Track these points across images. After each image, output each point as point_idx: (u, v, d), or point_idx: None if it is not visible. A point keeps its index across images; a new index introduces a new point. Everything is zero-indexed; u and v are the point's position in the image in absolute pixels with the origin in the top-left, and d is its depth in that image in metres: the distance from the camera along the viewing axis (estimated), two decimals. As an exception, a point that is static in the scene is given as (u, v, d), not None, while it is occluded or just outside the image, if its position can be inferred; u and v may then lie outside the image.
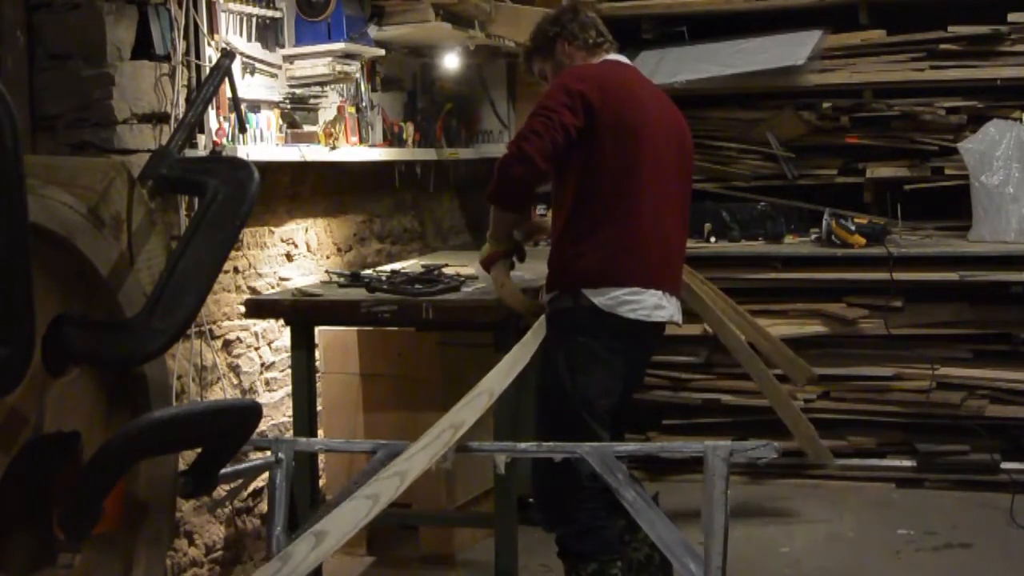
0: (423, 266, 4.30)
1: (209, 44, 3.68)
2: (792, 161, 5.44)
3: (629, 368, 3.39)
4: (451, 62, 5.06)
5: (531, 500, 4.56)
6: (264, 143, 3.93)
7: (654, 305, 3.30)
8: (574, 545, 3.34)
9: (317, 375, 4.14)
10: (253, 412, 2.48)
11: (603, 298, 3.25)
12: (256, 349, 4.19)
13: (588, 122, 3.23)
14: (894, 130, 5.38)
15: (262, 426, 3.64)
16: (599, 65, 3.47)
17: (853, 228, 5.12)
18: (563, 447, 2.80)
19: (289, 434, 4.07)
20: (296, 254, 4.43)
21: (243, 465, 2.90)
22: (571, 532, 3.35)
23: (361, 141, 4.53)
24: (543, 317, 3.40)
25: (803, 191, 5.49)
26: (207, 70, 3.57)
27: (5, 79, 3.20)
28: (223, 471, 2.62)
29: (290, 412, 3.96)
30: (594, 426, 3.25)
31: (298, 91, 4.11)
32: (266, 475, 2.92)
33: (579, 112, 3.22)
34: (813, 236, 5.26)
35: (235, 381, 4.07)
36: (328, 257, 4.66)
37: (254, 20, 3.93)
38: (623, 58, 3.58)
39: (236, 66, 3.60)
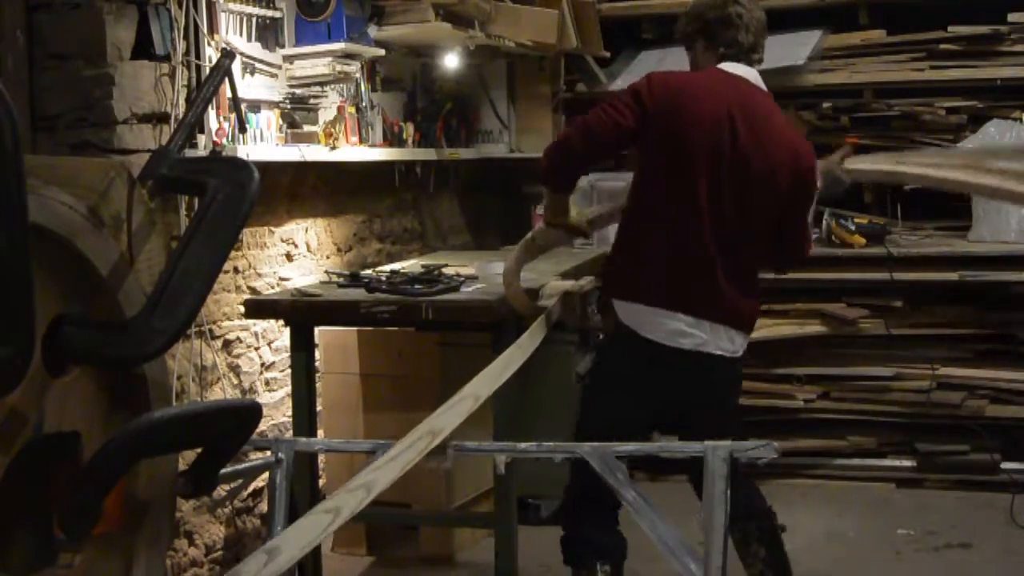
0: (423, 266, 4.30)
1: (209, 44, 3.68)
2: (792, 161, 5.43)
3: (657, 396, 3.23)
4: (451, 62, 5.06)
5: (530, 500, 4.59)
6: (264, 143, 3.93)
7: (676, 331, 3.15)
8: (564, 550, 3.35)
9: (317, 375, 4.14)
10: (253, 412, 2.48)
11: (626, 313, 3.19)
12: (256, 349, 4.19)
13: (641, 126, 3.14)
14: (894, 130, 5.38)
15: (262, 426, 3.64)
16: (691, 73, 3.33)
17: (853, 228, 5.13)
18: (563, 447, 2.80)
19: (289, 434, 4.07)
20: (296, 254, 4.43)
21: (243, 465, 2.90)
22: (563, 537, 3.36)
23: (361, 141, 4.52)
24: (540, 319, 3.40)
25: (803, 191, 5.48)
26: (207, 70, 3.57)
27: (5, 79, 3.20)
28: (223, 471, 2.62)
29: (290, 412, 3.96)
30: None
31: (298, 91, 4.11)
32: (266, 475, 2.92)
33: (634, 115, 3.14)
34: (813, 236, 5.25)
35: (235, 381, 4.07)
36: (328, 257, 4.66)
37: (254, 20, 3.93)
38: (744, 69, 3.28)
39: (236, 66, 3.59)
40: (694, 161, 3.14)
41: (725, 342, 3.22)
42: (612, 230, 5.41)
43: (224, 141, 3.66)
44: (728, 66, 3.29)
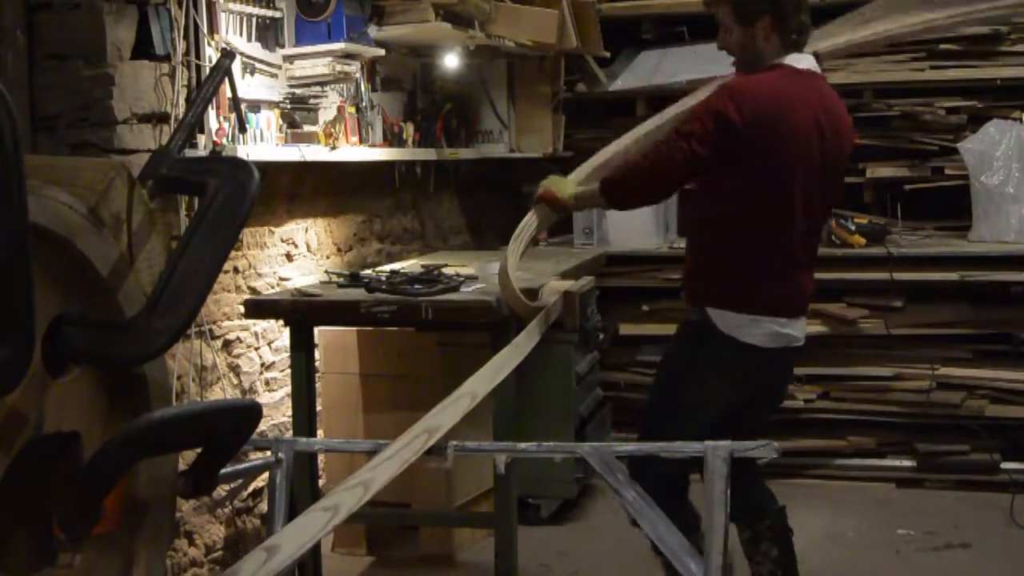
0: (423, 266, 4.30)
1: (209, 44, 3.67)
2: (792, 161, 5.44)
3: (747, 392, 3.28)
4: (451, 62, 5.06)
5: (530, 500, 4.59)
6: (264, 143, 3.93)
7: (774, 332, 3.20)
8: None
9: (317, 375, 4.14)
10: (253, 412, 2.47)
11: (721, 319, 3.19)
12: (256, 349, 4.19)
13: (725, 148, 3.07)
14: (894, 130, 5.38)
15: (262, 426, 3.64)
16: (770, 79, 3.14)
17: (853, 228, 5.13)
18: (563, 447, 2.80)
19: (289, 434, 4.07)
20: (296, 254, 4.43)
21: (243, 465, 2.90)
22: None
23: (361, 141, 4.52)
24: (538, 319, 3.39)
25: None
26: (207, 70, 3.57)
27: (5, 79, 3.20)
28: (223, 471, 2.62)
29: (290, 412, 3.96)
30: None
31: (298, 91, 4.11)
32: (266, 475, 2.92)
33: (713, 140, 3.07)
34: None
35: (235, 381, 4.07)
36: (328, 257, 4.66)
37: (254, 20, 3.93)
38: (807, 59, 3.22)
39: (236, 66, 3.59)
40: (790, 174, 3.13)
41: (803, 330, 3.32)
42: (616, 232, 5.44)
43: (224, 141, 3.66)
44: (795, 59, 3.18)
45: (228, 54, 3.19)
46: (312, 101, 4.23)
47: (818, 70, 3.26)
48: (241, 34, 3.87)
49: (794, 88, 3.14)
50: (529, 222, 3.48)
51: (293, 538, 2.15)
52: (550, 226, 3.63)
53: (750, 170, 3.12)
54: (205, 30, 3.65)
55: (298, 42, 4.10)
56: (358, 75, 4.39)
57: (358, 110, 4.51)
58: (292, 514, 2.81)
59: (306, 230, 4.52)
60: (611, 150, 3.68)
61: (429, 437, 2.56)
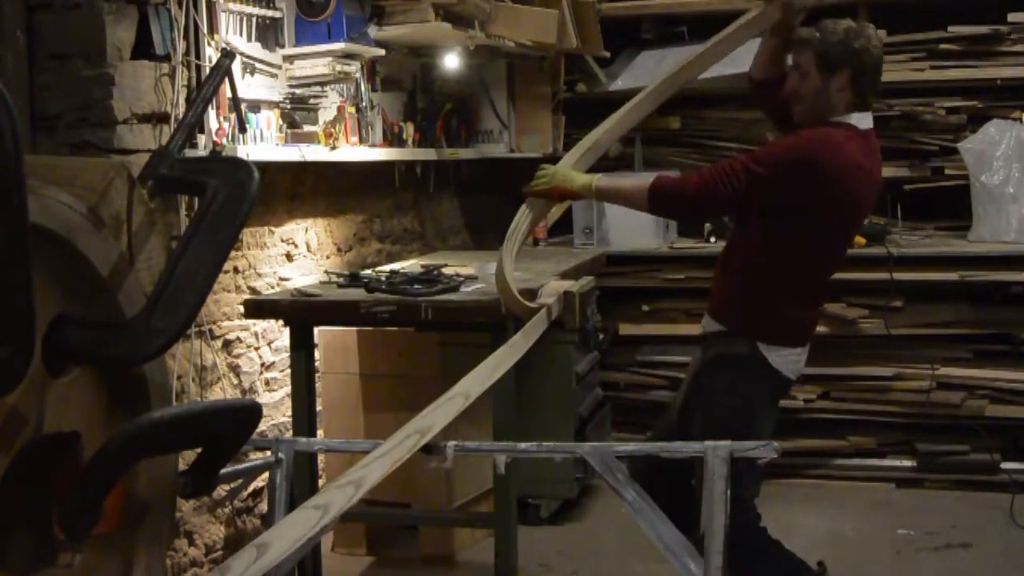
0: (422, 266, 4.30)
1: (209, 44, 3.67)
2: (792, 161, 5.43)
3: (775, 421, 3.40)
4: (451, 62, 5.05)
5: (530, 500, 4.59)
6: (264, 143, 3.93)
7: (802, 364, 3.30)
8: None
9: (317, 375, 4.14)
10: (253, 412, 2.48)
11: (775, 355, 3.21)
12: (256, 349, 4.19)
13: (793, 204, 3.11)
14: (894, 130, 5.38)
15: (262, 426, 3.64)
16: (845, 146, 3.11)
17: (853, 228, 5.13)
18: (563, 447, 2.80)
19: (289, 434, 4.07)
20: (296, 254, 4.43)
21: (243, 465, 2.90)
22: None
23: (361, 141, 4.52)
24: (535, 319, 3.38)
25: (803, 191, 5.49)
26: (207, 70, 3.57)
27: (5, 79, 3.20)
28: (223, 471, 2.62)
29: (290, 412, 3.96)
30: (756, 475, 3.24)
31: (298, 91, 4.11)
32: (266, 475, 2.92)
33: (771, 190, 3.09)
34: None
35: (235, 381, 4.07)
36: (328, 257, 4.66)
37: (254, 20, 3.93)
38: (868, 119, 3.21)
39: (236, 66, 3.59)
40: (850, 230, 3.33)
41: None
42: (616, 231, 5.44)
43: (224, 141, 3.66)
44: (859, 119, 3.17)
45: (228, 54, 3.19)
46: (312, 101, 4.23)
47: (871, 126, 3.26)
48: (241, 34, 3.86)
49: (862, 152, 3.15)
50: (522, 219, 3.46)
51: (284, 535, 2.14)
52: (550, 223, 3.61)
53: (814, 225, 3.16)
54: (205, 30, 3.65)
55: (298, 42, 4.10)
56: (358, 75, 4.39)
57: (358, 110, 4.51)
58: (292, 514, 2.81)
59: (306, 230, 4.52)
60: (601, 130, 3.68)
61: (421, 436, 2.56)
